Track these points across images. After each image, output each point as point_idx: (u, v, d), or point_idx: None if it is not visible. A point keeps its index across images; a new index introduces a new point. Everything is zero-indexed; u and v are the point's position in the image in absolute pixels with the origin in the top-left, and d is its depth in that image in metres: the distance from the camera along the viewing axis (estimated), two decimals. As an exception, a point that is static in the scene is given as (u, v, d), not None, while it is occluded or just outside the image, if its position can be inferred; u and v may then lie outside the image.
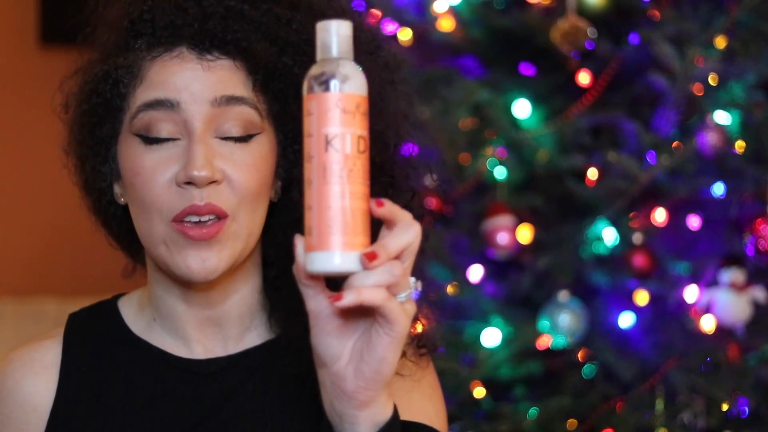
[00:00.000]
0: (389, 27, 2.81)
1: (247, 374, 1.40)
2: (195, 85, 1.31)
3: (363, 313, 1.10)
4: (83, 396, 1.40)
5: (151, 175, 1.31)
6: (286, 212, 1.38)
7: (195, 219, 1.30)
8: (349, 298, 1.06)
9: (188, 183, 1.29)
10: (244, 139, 1.32)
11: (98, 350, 1.43)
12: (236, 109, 1.32)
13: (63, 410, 1.40)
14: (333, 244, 1.07)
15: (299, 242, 1.10)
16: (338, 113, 1.07)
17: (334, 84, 1.08)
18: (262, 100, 1.34)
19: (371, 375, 1.10)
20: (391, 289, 1.08)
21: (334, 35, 1.09)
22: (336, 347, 1.11)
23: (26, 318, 4.18)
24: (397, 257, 1.09)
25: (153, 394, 1.39)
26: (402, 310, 1.09)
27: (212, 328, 1.40)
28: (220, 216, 1.31)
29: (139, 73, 1.34)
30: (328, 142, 1.07)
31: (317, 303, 1.11)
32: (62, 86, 1.41)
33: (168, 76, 1.32)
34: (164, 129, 1.31)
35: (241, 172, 1.32)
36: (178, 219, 1.30)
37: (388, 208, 1.09)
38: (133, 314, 1.44)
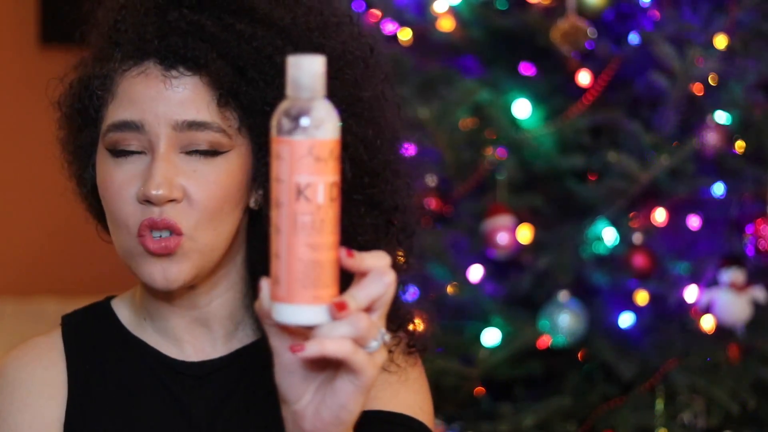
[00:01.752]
0: (389, 27, 2.81)
1: (239, 375, 1.40)
2: (159, 106, 1.31)
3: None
4: (91, 394, 1.40)
5: (118, 191, 1.32)
6: (268, 220, 1.38)
7: (157, 234, 1.31)
8: (311, 349, 1.02)
9: (147, 201, 1.30)
10: (209, 154, 1.32)
11: (100, 350, 1.43)
12: (200, 134, 1.31)
13: (78, 406, 1.39)
14: (303, 297, 1.03)
15: (264, 285, 1.06)
16: (311, 161, 1.02)
17: (307, 130, 1.02)
18: (232, 116, 1.33)
19: (330, 420, 1.06)
20: (358, 340, 1.03)
21: (307, 72, 1.03)
22: (298, 387, 1.07)
23: (26, 318, 4.18)
24: (368, 309, 1.05)
25: (154, 396, 1.40)
26: (369, 361, 1.04)
27: (200, 328, 1.40)
28: (176, 232, 1.31)
29: (111, 86, 1.34)
30: (299, 192, 1.02)
31: (281, 341, 1.07)
32: (63, 79, 1.41)
33: (134, 94, 1.32)
34: (131, 146, 1.32)
35: (202, 190, 1.31)
36: (140, 233, 1.31)
37: (358, 260, 1.04)
38: (127, 315, 1.44)
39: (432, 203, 2.70)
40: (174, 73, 1.32)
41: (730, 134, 2.66)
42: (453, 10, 2.78)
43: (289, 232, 1.03)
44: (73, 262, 4.45)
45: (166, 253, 1.31)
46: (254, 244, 1.39)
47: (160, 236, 1.31)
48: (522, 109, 2.73)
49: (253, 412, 1.39)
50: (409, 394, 1.40)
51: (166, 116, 1.31)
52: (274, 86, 1.32)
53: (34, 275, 4.54)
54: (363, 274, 1.05)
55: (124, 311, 1.44)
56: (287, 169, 1.02)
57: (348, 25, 1.40)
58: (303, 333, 1.05)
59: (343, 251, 1.04)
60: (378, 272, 1.05)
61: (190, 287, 1.37)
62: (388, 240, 1.39)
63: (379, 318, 1.06)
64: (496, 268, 2.75)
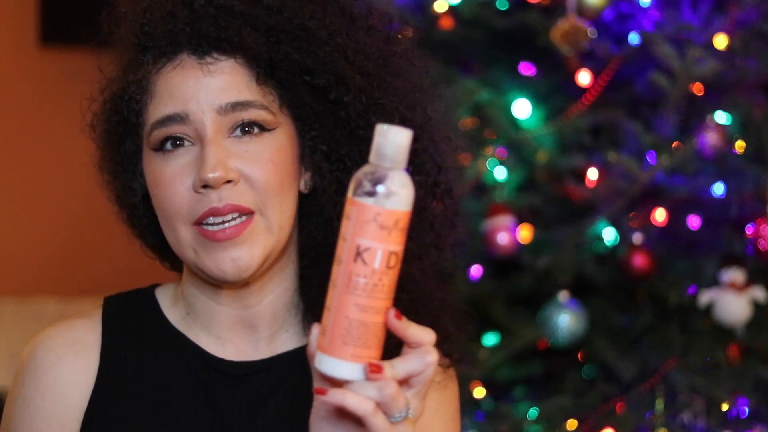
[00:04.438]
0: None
1: (279, 380, 1.40)
2: (200, 93, 1.32)
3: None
4: (122, 381, 1.40)
5: (171, 184, 1.33)
6: (318, 203, 1.38)
7: (218, 220, 1.31)
8: (332, 397, 1.08)
9: (205, 186, 1.30)
10: (257, 132, 1.33)
11: (137, 337, 1.43)
12: (244, 113, 1.32)
13: (103, 392, 1.40)
14: (342, 353, 1.08)
15: (314, 330, 1.11)
16: (375, 227, 1.07)
17: (377, 197, 1.07)
18: (271, 93, 1.34)
19: None
20: (382, 406, 1.08)
21: (391, 143, 1.08)
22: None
23: (26, 318, 4.18)
24: (405, 382, 1.09)
25: (187, 390, 1.40)
26: (388, 428, 1.09)
27: (245, 329, 1.40)
28: (244, 213, 1.31)
29: (148, 87, 1.35)
30: (358, 254, 1.07)
31: (319, 384, 1.13)
32: (90, 106, 1.43)
33: (173, 88, 1.33)
34: (177, 135, 1.33)
35: (259, 169, 1.32)
36: (200, 222, 1.32)
37: (403, 326, 1.09)
38: (169, 306, 1.45)
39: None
40: (209, 59, 1.33)
41: (730, 134, 2.66)
42: (453, 10, 2.78)
43: (342, 289, 1.08)
44: (73, 263, 4.45)
45: (233, 238, 1.31)
46: (306, 232, 1.40)
47: (222, 222, 1.31)
48: (522, 109, 2.73)
49: (288, 421, 1.38)
50: (440, 430, 1.41)
51: (209, 102, 1.32)
52: (310, 53, 1.33)
53: (34, 275, 4.54)
54: (410, 345, 1.10)
55: (166, 302, 1.45)
56: (352, 229, 1.07)
57: None
58: (341, 383, 1.09)
59: (392, 311, 1.08)
60: (423, 351, 1.10)
61: (244, 284, 1.37)
62: (435, 198, 1.40)
63: (413, 395, 1.10)
64: (496, 268, 2.75)
